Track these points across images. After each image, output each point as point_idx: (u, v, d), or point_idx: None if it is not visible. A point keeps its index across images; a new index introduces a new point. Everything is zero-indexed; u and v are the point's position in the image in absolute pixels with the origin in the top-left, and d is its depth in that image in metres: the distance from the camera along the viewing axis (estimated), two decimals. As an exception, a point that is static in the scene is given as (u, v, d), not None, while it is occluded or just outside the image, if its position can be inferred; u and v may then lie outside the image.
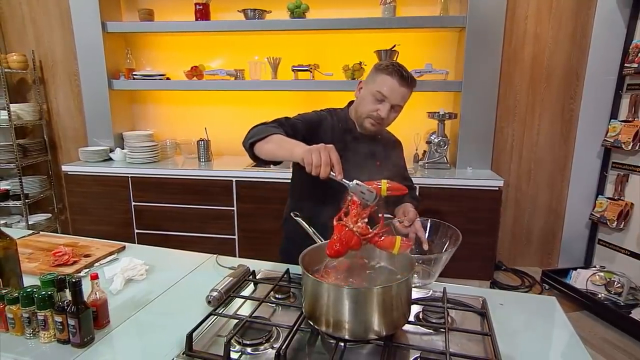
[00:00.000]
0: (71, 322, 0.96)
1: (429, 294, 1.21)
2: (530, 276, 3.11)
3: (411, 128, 3.14)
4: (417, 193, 1.67)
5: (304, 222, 1.24)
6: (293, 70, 3.09)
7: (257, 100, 3.33)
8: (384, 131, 1.53)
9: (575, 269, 2.82)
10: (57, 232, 3.59)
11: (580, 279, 2.72)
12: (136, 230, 3.05)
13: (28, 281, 1.18)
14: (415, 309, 1.10)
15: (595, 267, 2.82)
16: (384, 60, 2.93)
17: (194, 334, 0.98)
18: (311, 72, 3.08)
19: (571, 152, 3.06)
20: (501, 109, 3.07)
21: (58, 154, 3.63)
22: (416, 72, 2.98)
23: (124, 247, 1.54)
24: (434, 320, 1.05)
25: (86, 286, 1.02)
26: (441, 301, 1.13)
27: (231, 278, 1.20)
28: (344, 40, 3.17)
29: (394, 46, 2.91)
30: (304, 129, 1.37)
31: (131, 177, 2.97)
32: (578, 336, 1.04)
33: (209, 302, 1.12)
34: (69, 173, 3.05)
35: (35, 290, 1.00)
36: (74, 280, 0.96)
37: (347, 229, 1.00)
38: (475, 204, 2.71)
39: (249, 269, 1.28)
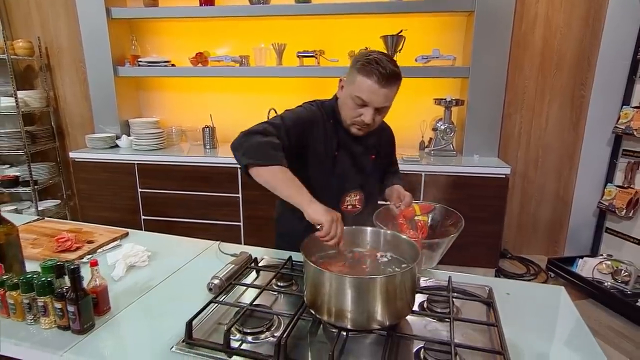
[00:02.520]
0: (70, 308, 0.94)
1: (430, 280, 1.18)
2: (536, 264, 3.06)
3: (417, 115, 3.07)
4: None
5: None
6: (298, 56, 3.02)
7: (263, 86, 3.27)
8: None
9: (581, 257, 2.77)
10: (67, 218, 3.60)
11: (586, 268, 2.67)
12: (143, 217, 3.04)
13: (31, 267, 1.16)
14: (419, 298, 1.07)
15: (602, 255, 2.76)
16: (389, 45, 2.85)
17: (195, 322, 0.96)
18: (316, 58, 3.01)
19: (580, 139, 2.98)
20: (509, 95, 2.99)
21: (66, 141, 3.62)
22: (423, 57, 2.90)
23: (127, 234, 1.52)
24: (438, 310, 1.02)
25: (88, 272, 1.01)
26: (446, 290, 1.09)
27: (233, 265, 1.17)
28: (350, 26, 3.09)
29: (401, 31, 2.83)
30: (298, 132, 1.26)
31: (137, 164, 2.95)
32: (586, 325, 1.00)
33: (210, 290, 1.09)
34: (76, 160, 3.04)
35: (35, 276, 0.98)
36: (72, 267, 0.94)
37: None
38: (482, 191, 2.66)
39: (251, 256, 1.25)
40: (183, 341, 0.91)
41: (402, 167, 2.69)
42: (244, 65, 3.12)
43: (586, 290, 2.61)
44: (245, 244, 2.96)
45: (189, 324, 0.92)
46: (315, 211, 1.02)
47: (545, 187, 3.12)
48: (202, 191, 2.90)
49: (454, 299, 1.04)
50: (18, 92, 3.14)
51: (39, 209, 3.34)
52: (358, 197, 1.40)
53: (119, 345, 0.94)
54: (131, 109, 3.41)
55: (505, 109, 2.97)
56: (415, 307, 1.04)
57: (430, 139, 3.06)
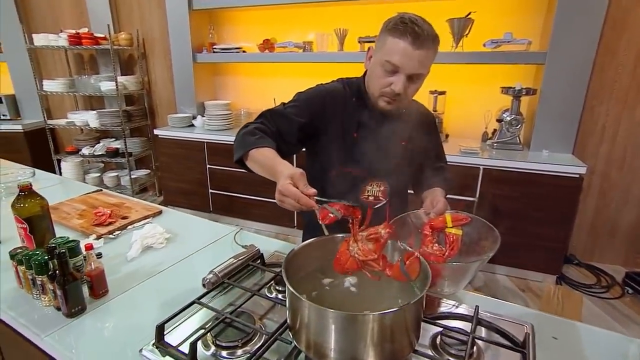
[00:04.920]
0: (58, 292, 0.84)
1: (454, 306, 0.87)
2: (610, 275, 2.46)
3: (482, 104, 2.58)
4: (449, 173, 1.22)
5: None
6: (359, 42, 2.71)
7: (324, 71, 3.01)
8: (408, 103, 1.10)
9: (670, 275, 2.14)
10: (155, 186, 3.79)
11: (675, 289, 2.05)
12: (210, 190, 3.04)
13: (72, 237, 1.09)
14: (434, 329, 0.78)
15: (699, 277, 2.10)
16: (455, 29, 2.40)
17: (177, 321, 0.80)
18: (377, 43, 2.67)
19: (685, 139, 2.26)
20: (595, 84, 2.35)
21: (156, 119, 3.76)
22: (493, 42, 2.40)
23: (160, 212, 1.42)
24: (452, 352, 0.72)
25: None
26: (470, 322, 0.78)
27: (234, 260, 0.99)
28: (414, 9, 2.61)
29: (469, 14, 2.35)
30: (305, 113, 1.05)
31: (206, 142, 2.93)
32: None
33: (203, 285, 0.92)
34: (159, 136, 3.13)
35: (34, 255, 0.90)
36: (60, 251, 0.83)
37: (347, 249, 0.75)
38: (549, 191, 2.16)
39: (258, 252, 1.05)
40: (154, 344, 0.75)
41: (459, 159, 2.29)
42: (307, 50, 2.89)
43: (672, 315, 2.01)
44: (296, 223, 2.84)
45: (160, 328, 0.75)
46: (282, 166, 0.83)
47: (631, 191, 2.46)
48: (260, 171, 2.79)
49: (475, 339, 0.73)
50: (119, 77, 3.29)
51: (133, 176, 3.54)
52: (382, 188, 1.11)
53: (96, 337, 0.81)
54: (208, 92, 3.41)
55: (587, 99, 2.36)
56: (425, 341, 0.76)
57: (495, 130, 2.57)
